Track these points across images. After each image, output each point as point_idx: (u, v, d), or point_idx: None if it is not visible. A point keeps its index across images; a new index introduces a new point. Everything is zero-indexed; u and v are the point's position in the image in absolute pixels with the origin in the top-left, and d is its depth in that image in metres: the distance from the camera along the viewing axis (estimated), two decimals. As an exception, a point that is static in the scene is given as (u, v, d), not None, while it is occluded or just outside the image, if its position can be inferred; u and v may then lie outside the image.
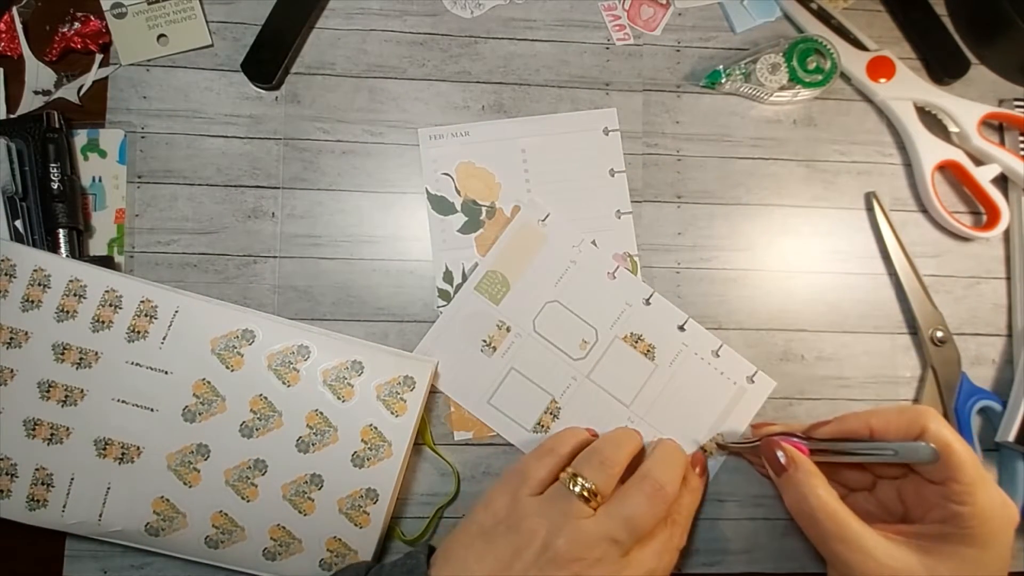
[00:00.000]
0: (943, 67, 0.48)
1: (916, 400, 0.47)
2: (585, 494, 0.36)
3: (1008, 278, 0.48)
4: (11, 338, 0.40)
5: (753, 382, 0.45)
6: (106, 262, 0.43)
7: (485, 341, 0.44)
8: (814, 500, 0.36)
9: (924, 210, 0.48)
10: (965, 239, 0.48)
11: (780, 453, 0.39)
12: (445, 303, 0.45)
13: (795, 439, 0.40)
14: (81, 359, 0.40)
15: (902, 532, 0.37)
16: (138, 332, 0.41)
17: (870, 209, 0.48)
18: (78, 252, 0.43)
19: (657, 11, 0.48)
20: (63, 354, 0.40)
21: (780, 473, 0.39)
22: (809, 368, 0.47)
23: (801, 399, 0.46)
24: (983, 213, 0.48)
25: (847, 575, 0.35)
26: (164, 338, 0.41)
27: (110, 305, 0.41)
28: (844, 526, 0.35)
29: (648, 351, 0.45)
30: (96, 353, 0.41)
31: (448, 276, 0.45)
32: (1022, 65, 0.48)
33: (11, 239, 0.42)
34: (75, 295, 0.41)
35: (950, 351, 0.47)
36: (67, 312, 0.41)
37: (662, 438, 0.44)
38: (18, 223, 0.42)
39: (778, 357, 0.46)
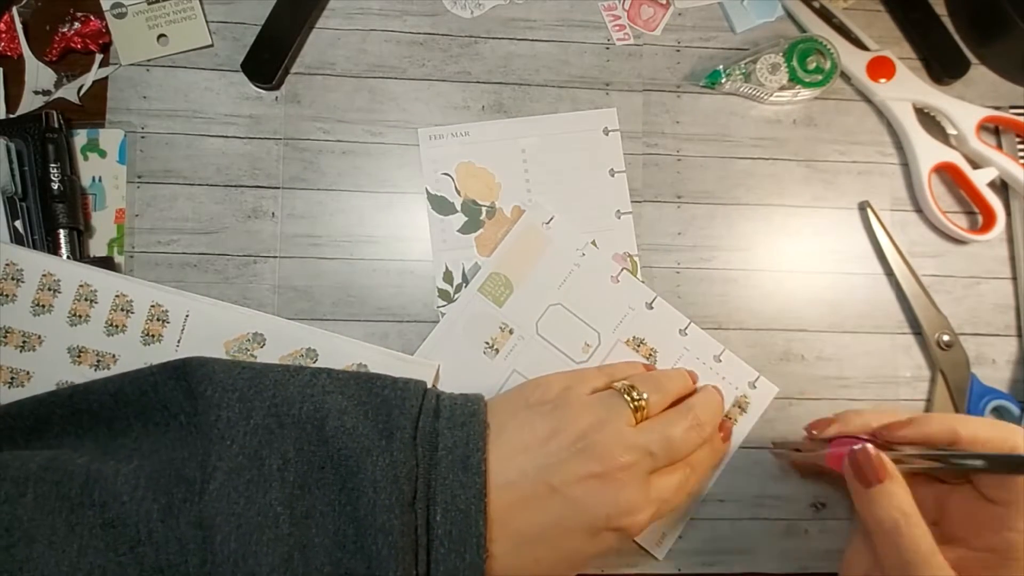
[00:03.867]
0: (943, 67, 0.51)
1: (928, 401, 0.49)
2: (635, 405, 0.40)
3: (1014, 278, 0.51)
4: (24, 341, 0.43)
5: (755, 387, 0.48)
6: (106, 262, 0.45)
7: (488, 343, 0.47)
8: (905, 521, 0.35)
9: (923, 211, 0.51)
10: (962, 242, 0.50)
11: (872, 459, 0.37)
12: (445, 303, 0.47)
13: (866, 441, 0.38)
14: (99, 360, 0.43)
15: (948, 557, 0.35)
16: (152, 336, 0.44)
17: (865, 210, 0.50)
18: (79, 252, 0.45)
19: (657, 11, 0.51)
20: (80, 356, 0.43)
21: (871, 485, 0.36)
22: (809, 368, 0.49)
23: (801, 399, 0.49)
24: (979, 215, 0.51)
25: None
26: (179, 341, 0.44)
27: (121, 310, 0.44)
28: (930, 555, 0.34)
29: (650, 355, 0.47)
30: (113, 355, 0.43)
31: (448, 276, 0.48)
32: (1022, 65, 0.51)
33: (11, 240, 0.44)
34: (86, 300, 0.43)
35: (958, 354, 0.49)
36: (79, 316, 0.43)
37: (707, 384, 0.46)
38: (18, 223, 0.44)
39: (778, 357, 0.49)
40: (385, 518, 0.34)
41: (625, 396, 0.40)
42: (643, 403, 0.40)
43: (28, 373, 0.43)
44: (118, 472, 0.34)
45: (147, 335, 0.44)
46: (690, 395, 0.44)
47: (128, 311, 0.44)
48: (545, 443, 0.38)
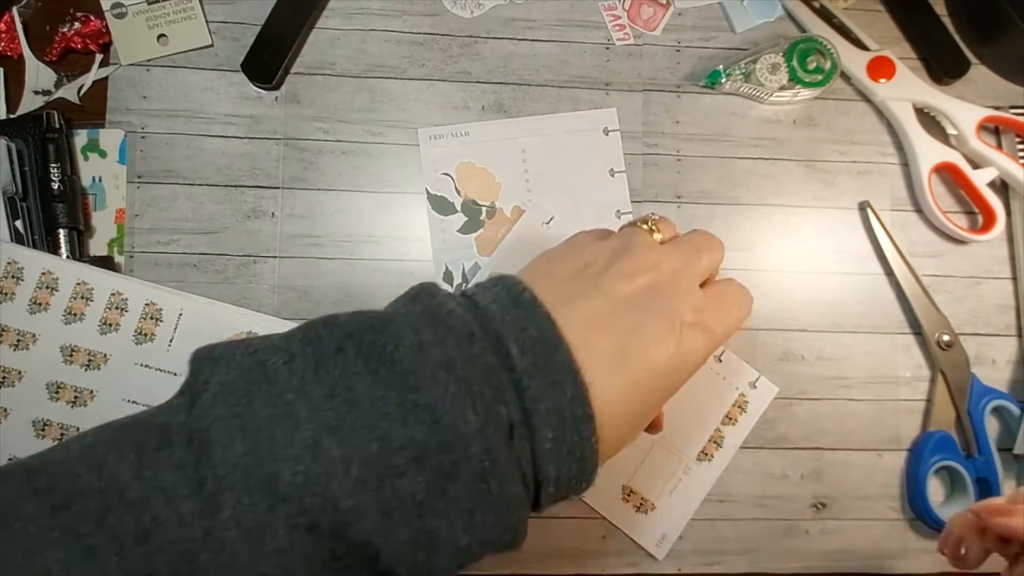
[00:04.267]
0: (943, 67, 0.51)
1: (928, 401, 0.49)
2: (649, 228, 0.36)
3: (1014, 278, 0.51)
4: (18, 340, 0.43)
5: (755, 388, 0.48)
6: (106, 262, 0.46)
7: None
8: None
9: (923, 211, 0.51)
10: (962, 242, 0.50)
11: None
12: (445, 303, 0.47)
13: None
14: (90, 360, 0.43)
15: None
16: (145, 334, 0.44)
17: (865, 210, 0.50)
18: (78, 252, 0.45)
19: (657, 11, 0.51)
20: (72, 356, 0.43)
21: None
22: (809, 368, 0.49)
23: (801, 399, 0.49)
24: (979, 215, 0.51)
25: None
26: (171, 340, 0.44)
27: (116, 308, 0.44)
28: None
29: None
30: (105, 355, 0.43)
31: (448, 276, 0.48)
32: (1022, 65, 0.51)
33: (11, 239, 0.44)
34: (82, 298, 0.43)
35: (958, 354, 0.49)
36: (74, 315, 0.43)
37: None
38: (18, 223, 0.44)
39: (778, 357, 0.49)
40: (438, 352, 0.27)
41: (640, 225, 0.36)
42: (655, 227, 0.36)
43: (20, 372, 0.43)
44: (68, 450, 0.27)
45: (140, 333, 0.44)
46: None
47: (123, 309, 0.44)
48: (585, 270, 0.33)
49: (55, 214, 0.44)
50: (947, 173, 0.51)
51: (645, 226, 0.37)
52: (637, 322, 0.32)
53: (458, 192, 0.48)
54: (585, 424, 0.28)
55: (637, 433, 0.33)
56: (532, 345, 0.28)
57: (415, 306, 0.29)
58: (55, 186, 0.44)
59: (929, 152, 0.50)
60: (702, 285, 0.36)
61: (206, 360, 0.28)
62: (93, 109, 0.47)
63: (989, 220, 0.50)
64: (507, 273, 0.34)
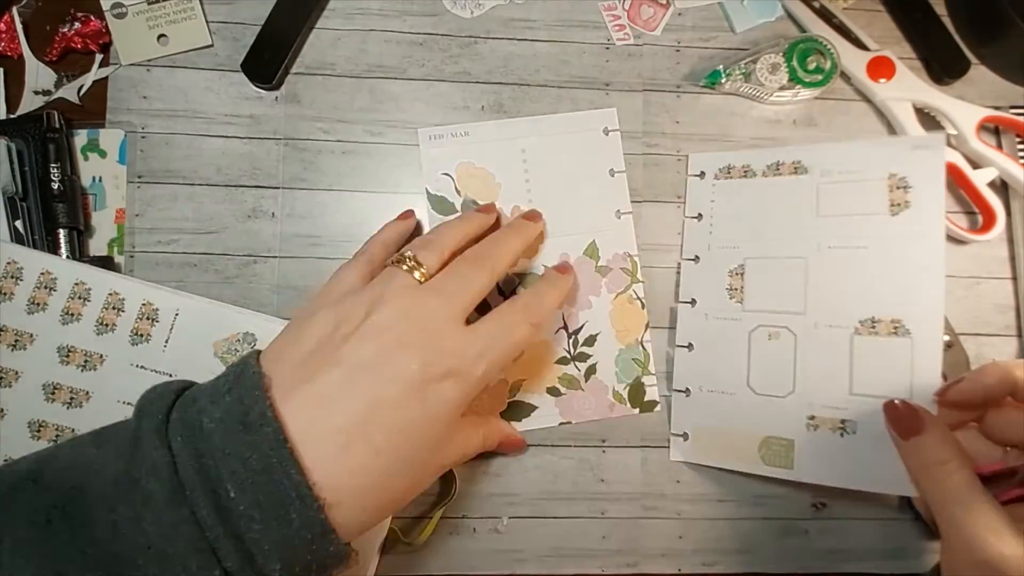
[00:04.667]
0: (943, 67, 0.51)
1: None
2: (408, 267, 0.36)
3: (1014, 278, 0.51)
4: (16, 340, 0.43)
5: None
6: (106, 262, 0.45)
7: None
8: (939, 468, 0.35)
9: (923, 210, 0.51)
10: (962, 242, 0.50)
11: (906, 413, 0.39)
12: (445, 303, 0.47)
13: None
14: (86, 361, 0.43)
15: None
16: (141, 335, 0.44)
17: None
18: (78, 252, 0.45)
19: (657, 11, 0.50)
20: (68, 356, 0.43)
21: (908, 437, 0.38)
22: (809, 368, 0.49)
23: (801, 399, 0.49)
24: (979, 215, 0.51)
25: (961, 547, 0.34)
26: (167, 341, 0.44)
27: (113, 308, 0.44)
28: (965, 496, 0.34)
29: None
30: (101, 356, 0.43)
31: (448, 276, 0.47)
32: (1022, 65, 0.51)
33: (11, 239, 0.44)
34: (80, 298, 0.43)
35: (958, 354, 0.49)
36: (72, 315, 0.43)
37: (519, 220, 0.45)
38: (18, 223, 0.44)
39: (778, 357, 0.49)
40: (134, 533, 0.26)
41: (400, 267, 0.36)
42: (416, 264, 0.36)
43: (16, 373, 0.43)
44: None
45: (136, 334, 0.44)
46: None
47: (119, 310, 0.44)
48: (333, 334, 0.33)
49: (55, 214, 0.44)
50: (947, 173, 0.51)
51: (404, 266, 0.36)
52: (374, 387, 0.32)
53: (458, 192, 0.48)
54: (322, 539, 0.29)
55: (420, 485, 0.35)
56: (253, 480, 0.28)
57: (115, 463, 0.28)
58: (55, 186, 0.44)
59: (929, 152, 0.49)
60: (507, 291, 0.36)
61: None
62: (93, 109, 0.47)
63: (989, 220, 0.50)
64: (252, 355, 0.33)
